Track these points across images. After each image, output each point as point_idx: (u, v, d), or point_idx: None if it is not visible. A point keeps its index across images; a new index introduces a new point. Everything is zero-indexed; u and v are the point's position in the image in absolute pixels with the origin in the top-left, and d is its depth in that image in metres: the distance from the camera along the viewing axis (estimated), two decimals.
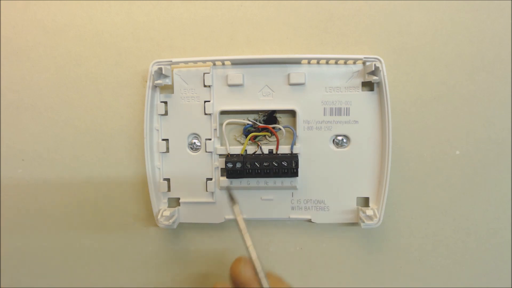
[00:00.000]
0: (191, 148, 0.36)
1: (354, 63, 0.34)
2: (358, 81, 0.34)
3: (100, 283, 0.39)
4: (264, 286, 0.26)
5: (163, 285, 0.38)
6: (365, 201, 0.36)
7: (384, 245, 0.37)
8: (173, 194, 0.36)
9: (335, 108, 0.34)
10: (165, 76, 0.34)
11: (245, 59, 0.33)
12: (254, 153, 0.34)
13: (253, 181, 0.35)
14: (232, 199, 0.30)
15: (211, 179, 0.35)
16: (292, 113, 0.35)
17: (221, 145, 0.35)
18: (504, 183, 0.36)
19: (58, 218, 0.38)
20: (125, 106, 0.36)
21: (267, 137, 0.35)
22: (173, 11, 0.36)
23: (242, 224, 0.28)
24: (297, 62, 0.34)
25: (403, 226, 0.37)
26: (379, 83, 0.33)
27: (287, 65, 0.34)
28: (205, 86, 0.35)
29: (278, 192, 0.35)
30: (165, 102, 0.35)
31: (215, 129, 0.35)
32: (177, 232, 0.38)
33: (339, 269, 0.37)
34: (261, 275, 0.27)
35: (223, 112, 0.35)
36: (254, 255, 0.28)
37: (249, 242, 0.28)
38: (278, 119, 0.36)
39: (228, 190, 0.31)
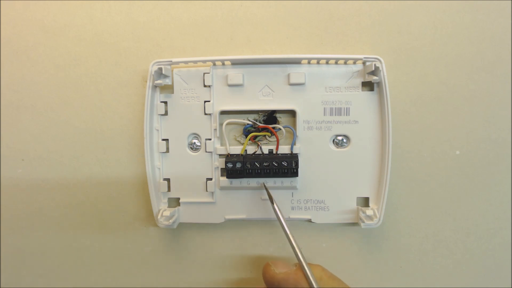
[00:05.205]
0: (191, 148, 0.36)
1: (354, 63, 0.34)
2: (358, 81, 0.34)
3: (100, 283, 0.39)
4: (308, 273, 0.28)
5: (163, 285, 0.38)
6: (365, 201, 0.36)
7: (384, 245, 0.37)
8: (173, 194, 0.36)
9: (335, 108, 0.34)
10: (165, 76, 0.34)
11: (245, 59, 0.33)
12: (254, 153, 0.34)
13: (253, 181, 0.35)
14: (270, 196, 0.33)
15: (211, 179, 0.35)
16: (292, 113, 0.35)
17: (221, 145, 0.35)
18: (504, 183, 0.36)
19: (58, 218, 0.38)
20: (125, 106, 0.36)
21: (267, 137, 0.35)
22: (173, 11, 0.36)
23: (283, 220, 0.31)
24: (297, 62, 0.34)
25: (403, 226, 0.37)
26: (379, 83, 0.33)
27: (287, 65, 0.34)
28: (205, 86, 0.35)
29: (278, 192, 0.35)
30: (165, 102, 0.35)
31: (215, 129, 0.35)
32: (177, 232, 0.38)
33: (339, 269, 0.37)
34: (304, 263, 0.29)
35: (223, 112, 0.35)
36: (296, 246, 0.30)
37: (291, 236, 0.30)
38: (278, 119, 0.36)
39: (266, 187, 0.34)
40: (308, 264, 0.29)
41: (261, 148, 0.34)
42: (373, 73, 0.33)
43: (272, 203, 0.32)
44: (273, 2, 0.35)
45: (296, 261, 0.30)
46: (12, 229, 0.38)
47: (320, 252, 0.37)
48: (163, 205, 0.36)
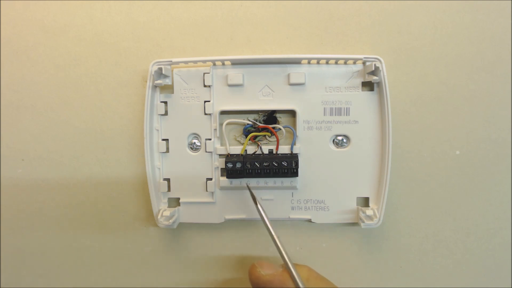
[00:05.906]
0: (191, 148, 0.36)
1: (354, 63, 0.34)
2: (358, 81, 0.34)
3: (100, 283, 0.39)
4: (294, 274, 0.28)
5: (163, 285, 0.38)
6: (365, 201, 0.36)
7: (384, 245, 0.37)
8: (173, 194, 0.36)
9: (335, 108, 0.34)
10: (165, 76, 0.34)
11: (245, 59, 0.33)
12: (254, 153, 0.34)
13: (253, 181, 0.35)
14: (253, 197, 0.33)
15: (211, 179, 0.35)
16: (292, 113, 0.35)
17: (221, 145, 0.35)
18: (504, 183, 0.36)
19: (58, 218, 0.38)
20: (125, 106, 0.36)
21: (267, 137, 0.35)
22: (173, 11, 0.36)
23: (267, 220, 0.31)
24: (297, 62, 0.34)
25: (403, 226, 0.37)
26: (379, 83, 0.33)
27: (287, 65, 0.34)
28: (205, 86, 0.35)
29: (278, 192, 0.35)
30: (165, 102, 0.35)
31: (215, 129, 0.35)
32: (177, 232, 0.38)
33: (339, 269, 0.37)
34: (290, 264, 0.28)
35: (223, 112, 0.35)
36: (281, 247, 0.29)
37: (275, 236, 0.30)
38: (278, 119, 0.36)
39: (249, 188, 0.34)
40: (295, 265, 0.29)
41: (261, 148, 0.34)
42: (373, 73, 0.33)
43: (256, 203, 0.32)
44: (273, 2, 0.35)
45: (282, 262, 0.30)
46: (12, 229, 0.38)
47: (320, 252, 0.37)
48: (163, 205, 0.36)
